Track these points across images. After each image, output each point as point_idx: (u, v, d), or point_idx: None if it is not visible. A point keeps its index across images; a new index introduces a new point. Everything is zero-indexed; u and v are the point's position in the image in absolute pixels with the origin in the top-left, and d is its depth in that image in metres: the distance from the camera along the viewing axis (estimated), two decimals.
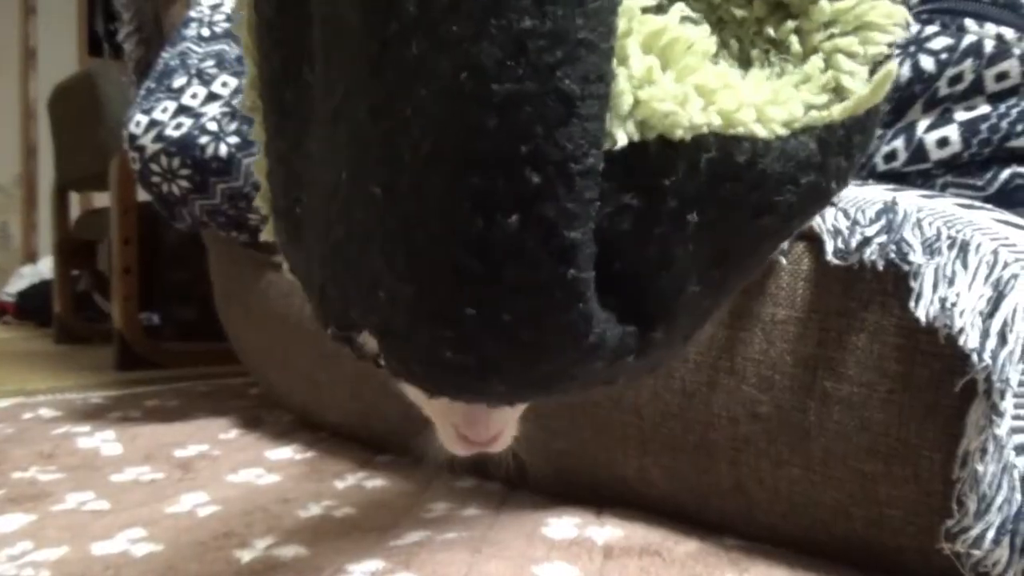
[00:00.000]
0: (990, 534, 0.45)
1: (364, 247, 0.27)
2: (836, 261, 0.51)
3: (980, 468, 0.45)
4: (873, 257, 0.49)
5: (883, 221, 0.49)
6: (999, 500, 0.45)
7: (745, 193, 0.28)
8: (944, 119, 0.61)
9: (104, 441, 1.00)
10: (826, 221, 0.52)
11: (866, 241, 0.49)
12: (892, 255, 0.48)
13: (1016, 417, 0.46)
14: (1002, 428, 0.45)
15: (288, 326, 0.95)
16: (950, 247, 0.48)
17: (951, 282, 0.46)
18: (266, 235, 0.36)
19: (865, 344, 0.50)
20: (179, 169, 0.92)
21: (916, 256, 0.48)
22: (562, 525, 0.61)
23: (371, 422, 0.88)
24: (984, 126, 0.60)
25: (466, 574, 0.52)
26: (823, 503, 0.52)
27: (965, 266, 0.47)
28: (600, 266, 0.26)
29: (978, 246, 0.47)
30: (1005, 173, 0.60)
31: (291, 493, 0.77)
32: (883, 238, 0.49)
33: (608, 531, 0.59)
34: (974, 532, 0.45)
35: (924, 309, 0.46)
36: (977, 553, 0.45)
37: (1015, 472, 0.45)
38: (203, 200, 0.94)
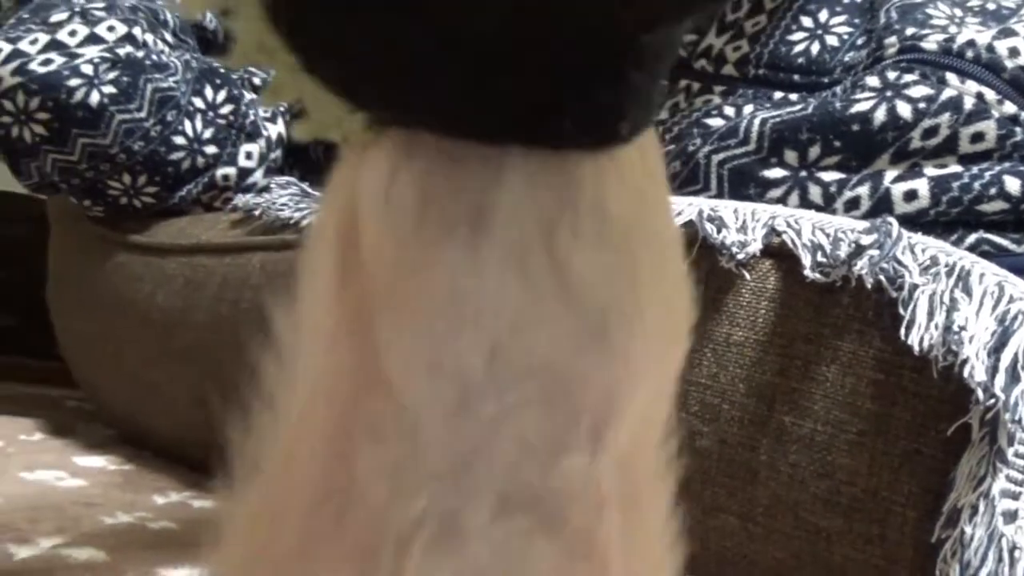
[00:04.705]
0: None
1: None
2: (815, 276, 0.43)
3: (968, 530, 0.38)
4: (863, 271, 0.42)
5: (875, 236, 0.43)
6: (983, 573, 0.38)
7: None
8: (914, 172, 0.57)
9: None
10: (802, 236, 0.46)
11: (858, 251, 0.42)
12: (884, 274, 0.42)
13: (1007, 479, 0.39)
14: (997, 484, 0.38)
15: (130, 316, 0.81)
16: (948, 273, 0.41)
17: (952, 309, 0.40)
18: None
19: (836, 377, 0.43)
20: (36, 111, 0.78)
21: (913, 278, 0.41)
22: None
23: (210, 436, 0.74)
24: (956, 184, 0.56)
25: None
26: (761, 563, 0.44)
27: (968, 294, 0.40)
28: None
29: (981, 275, 0.41)
30: (972, 238, 0.56)
31: (97, 499, 0.62)
32: (875, 252, 0.42)
33: None
34: None
35: (918, 336, 0.39)
36: None
37: (1003, 541, 0.38)
38: (58, 154, 0.80)
